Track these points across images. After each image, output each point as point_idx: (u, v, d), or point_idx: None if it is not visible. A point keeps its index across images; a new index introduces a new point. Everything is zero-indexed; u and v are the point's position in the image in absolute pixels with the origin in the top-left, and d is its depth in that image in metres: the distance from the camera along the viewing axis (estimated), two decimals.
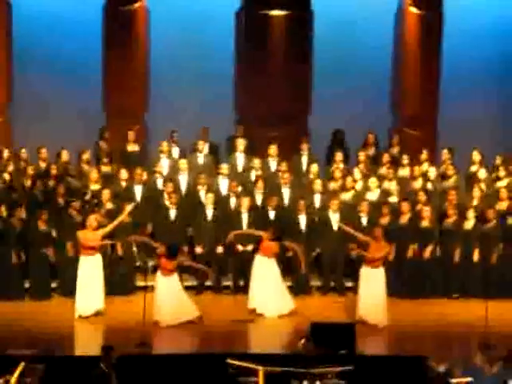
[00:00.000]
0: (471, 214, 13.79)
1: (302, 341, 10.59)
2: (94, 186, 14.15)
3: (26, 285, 13.44)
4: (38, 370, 9.78)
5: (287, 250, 13.51)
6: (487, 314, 11.62)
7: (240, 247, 13.75)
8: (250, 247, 13.62)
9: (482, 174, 14.71)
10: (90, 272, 12.64)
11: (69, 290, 13.00)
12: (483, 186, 14.45)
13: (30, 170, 14.34)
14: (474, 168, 14.90)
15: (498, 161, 14.86)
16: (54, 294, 13.48)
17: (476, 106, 17.06)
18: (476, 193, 14.20)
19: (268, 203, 13.94)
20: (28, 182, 14.17)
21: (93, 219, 12.77)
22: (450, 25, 16.60)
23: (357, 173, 14.71)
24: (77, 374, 10.25)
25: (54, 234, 13.46)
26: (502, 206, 14.04)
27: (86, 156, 14.79)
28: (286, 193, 14.40)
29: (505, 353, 10.19)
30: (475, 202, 14.14)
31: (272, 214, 13.89)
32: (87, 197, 13.94)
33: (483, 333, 11.55)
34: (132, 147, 15.36)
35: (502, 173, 14.64)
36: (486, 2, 17.01)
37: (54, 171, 14.27)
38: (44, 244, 13.31)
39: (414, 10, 16.64)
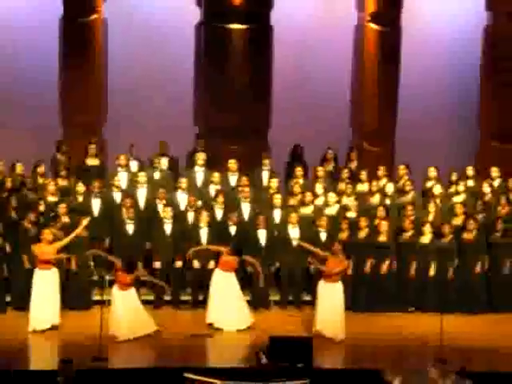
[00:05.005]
0: (427, 228, 13.94)
1: (260, 355, 10.58)
2: (51, 198, 14.04)
3: None
4: None
5: (246, 265, 13.53)
6: (442, 328, 11.72)
7: (196, 264, 13.72)
8: (211, 265, 13.55)
9: (438, 189, 14.86)
10: (46, 286, 12.52)
11: (23, 304, 12.84)
12: (438, 201, 14.62)
13: None
14: (429, 183, 15.06)
15: (454, 177, 15.03)
16: (8, 307, 13.28)
17: (433, 122, 17.27)
18: (432, 208, 14.36)
19: (228, 219, 13.93)
20: None
21: (48, 232, 12.68)
22: (408, 41, 16.78)
23: (318, 188, 14.76)
24: None
25: (8, 248, 13.32)
26: (458, 221, 14.22)
27: (41, 169, 14.67)
28: (246, 208, 14.42)
29: (459, 366, 10.28)
30: (431, 217, 14.29)
31: (233, 230, 13.90)
32: (41, 208, 13.81)
33: (438, 346, 11.64)
34: (92, 161, 15.22)
35: (461, 187, 14.80)
36: (445, 18, 17.24)
37: (8, 184, 14.13)
38: None
39: (372, 25, 16.79)
